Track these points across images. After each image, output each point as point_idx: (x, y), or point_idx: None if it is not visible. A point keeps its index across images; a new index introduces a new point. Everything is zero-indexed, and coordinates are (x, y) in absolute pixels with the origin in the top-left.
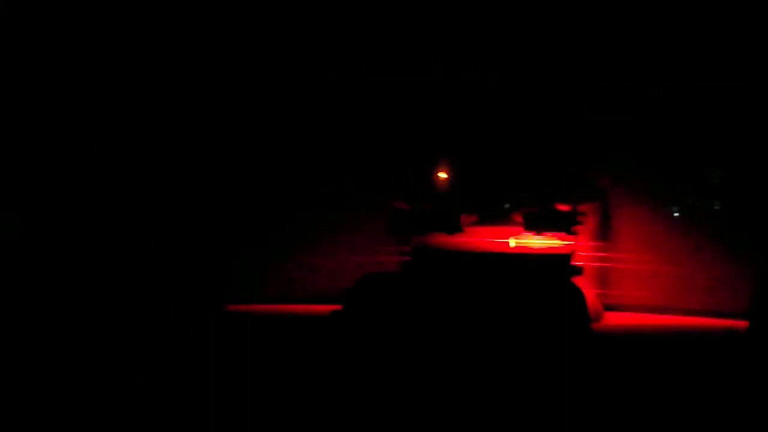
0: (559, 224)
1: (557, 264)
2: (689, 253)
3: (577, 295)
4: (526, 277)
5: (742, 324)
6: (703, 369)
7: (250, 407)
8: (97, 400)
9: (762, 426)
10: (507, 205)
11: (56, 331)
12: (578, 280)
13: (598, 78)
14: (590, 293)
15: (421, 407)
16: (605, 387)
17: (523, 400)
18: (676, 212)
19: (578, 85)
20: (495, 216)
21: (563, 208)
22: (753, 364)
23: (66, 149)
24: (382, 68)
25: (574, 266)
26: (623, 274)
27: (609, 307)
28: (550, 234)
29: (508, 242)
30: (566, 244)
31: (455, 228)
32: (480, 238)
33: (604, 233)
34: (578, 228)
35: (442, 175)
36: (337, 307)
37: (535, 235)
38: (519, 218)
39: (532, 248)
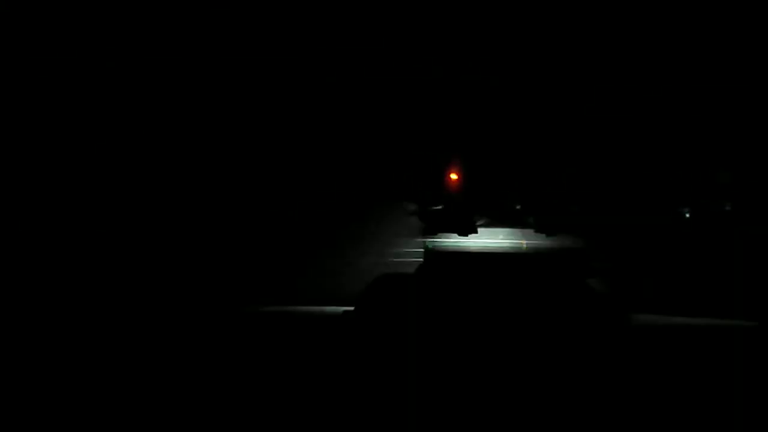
0: (571, 226)
1: (572, 265)
2: (701, 254)
3: (592, 295)
4: (540, 278)
5: (758, 324)
6: (720, 368)
7: (258, 405)
8: (108, 398)
9: None
10: (518, 207)
11: (71, 332)
12: (592, 281)
13: (609, 82)
14: (603, 293)
15: (433, 404)
16: (624, 385)
17: (538, 396)
18: (687, 213)
19: (589, 89)
20: (507, 217)
21: (574, 209)
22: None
23: (90, 158)
24: (397, 69)
25: (590, 267)
26: (637, 274)
27: (623, 307)
28: (561, 235)
29: (520, 243)
30: (580, 246)
31: (468, 229)
32: (492, 239)
33: (616, 234)
34: (590, 229)
35: (454, 176)
36: (349, 307)
37: (547, 236)
38: (531, 219)
39: (546, 249)
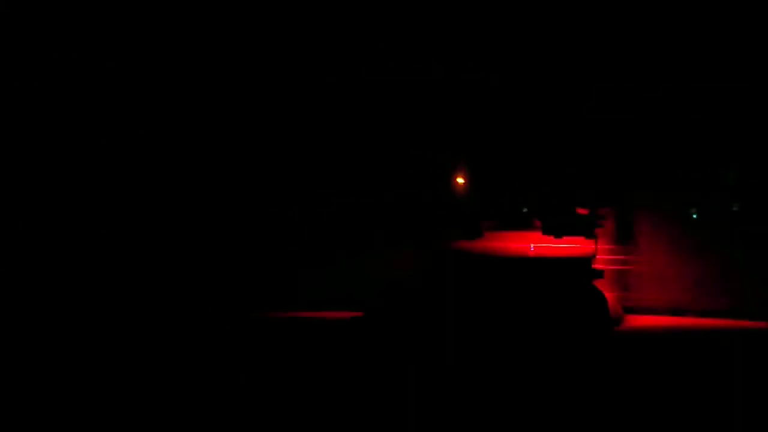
0: (579, 228)
1: (578, 268)
2: (708, 255)
3: (598, 297)
4: (548, 280)
5: (761, 325)
6: (722, 369)
7: (261, 409)
8: (113, 404)
9: None
10: (525, 210)
11: (77, 336)
12: (599, 283)
13: (617, 83)
14: (611, 295)
15: (441, 407)
16: (626, 387)
17: (543, 399)
18: (694, 214)
19: (597, 91)
20: (514, 220)
21: (582, 212)
22: None
23: (93, 160)
24: (399, 70)
25: (595, 269)
26: (643, 276)
27: (629, 310)
28: (569, 238)
29: (528, 246)
30: (586, 248)
31: (476, 233)
32: (500, 242)
33: (624, 236)
34: (598, 231)
35: (461, 180)
36: (358, 313)
37: (554, 239)
38: (538, 223)
39: (552, 252)
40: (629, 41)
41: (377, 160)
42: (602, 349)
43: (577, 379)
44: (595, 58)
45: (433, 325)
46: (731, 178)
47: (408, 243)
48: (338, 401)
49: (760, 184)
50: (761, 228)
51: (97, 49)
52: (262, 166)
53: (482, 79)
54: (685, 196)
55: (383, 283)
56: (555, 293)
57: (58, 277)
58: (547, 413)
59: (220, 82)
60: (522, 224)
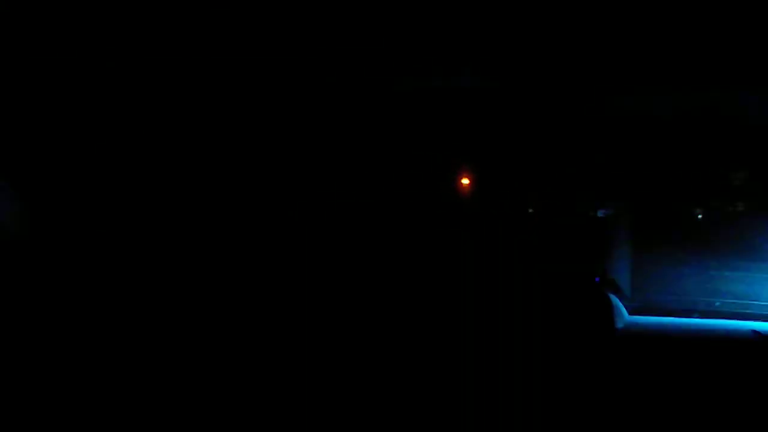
0: (583, 228)
1: (583, 267)
2: (713, 255)
3: (603, 298)
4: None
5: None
6: (729, 372)
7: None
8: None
9: None
10: (530, 210)
11: (76, 333)
12: (603, 283)
13: (625, 84)
14: (615, 296)
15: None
16: (632, 391)
17: (547, 401)
18: (699, 214)
19: (604, 93)
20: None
21: (586, 211)
22: None
23: (93, 159)
24: (400, 70)
25: (600, 270)
26: (648, 277)
27: (634, 311)
28: (574, 238)
29: None
30: (591, 248)
31: None
32: None
33: (629, 236)
34: (602, 231)
35: (465, 181)
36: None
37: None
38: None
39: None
40: (633, 38)
41: (374, 159)
42: (607, 351)
43: (579, 379)
44: (597, 54)
45: None
46: (737, 179)
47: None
48: None
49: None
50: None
51: (97, 49)
52: (254, 162)
53: (480, 77)
54: (690, 196)
55: None
56: (559, 292)
57: (58, 277)
58: (548, 412)
59: (209, 78)
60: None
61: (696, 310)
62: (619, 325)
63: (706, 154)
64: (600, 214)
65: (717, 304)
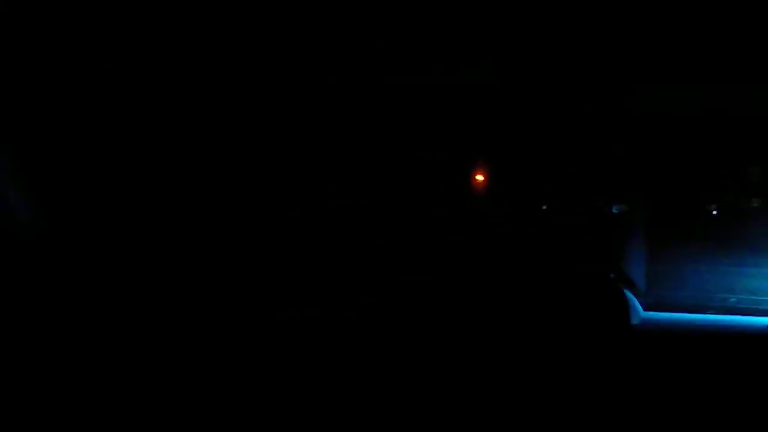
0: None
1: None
2: (728, 251)
3: (618, 294)
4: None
5: None
6: (745, 368)
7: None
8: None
9: None
10: (544, 207)
11: (79, 337)
12: (618, 280)
13: (642, 81)
14: (630, 292)
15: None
16: (648, 387)
17: (564, 397)
18: (714, 210)
19: (619, 89)
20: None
21: (600, 208)
22: None
23: (94, 160)
24: (404, 70)
25: (614, 266)
26: (663, 273)
27: (650, 307)
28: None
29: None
30: (606, 242)
31: None
32: None
33: (642, 232)
34: (616, 227)
35: (479, 177)
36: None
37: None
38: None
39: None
40: (642, 37)
41: (380, 160)
42: (623, 347)
43: (598, 377)
44: (607, 52)
45: None
46: (753, 174)
47: None
48: None
49: None
50: None
51: (97, 49)
52: (254, 162)
53: (482, 77)
54: (705, 193)
55: None
56: (573, 288)
57: (58, 277)
58: (561, 409)
59: (209, 78)
60: None
61: (711, 306)
62: (635, 321)
63: (720, 150)
64: (615, 210)
65: (732, 300)
